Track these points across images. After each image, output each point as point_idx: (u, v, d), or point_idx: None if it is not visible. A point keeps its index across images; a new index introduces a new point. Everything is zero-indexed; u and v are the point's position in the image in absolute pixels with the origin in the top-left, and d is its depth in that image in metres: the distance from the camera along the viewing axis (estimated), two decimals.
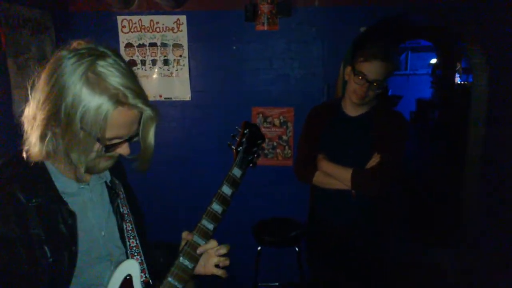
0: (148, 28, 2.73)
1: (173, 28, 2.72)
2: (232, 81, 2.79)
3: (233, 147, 1.23)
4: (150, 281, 1.02)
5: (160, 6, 2.65)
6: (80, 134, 0.82)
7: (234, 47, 2.73)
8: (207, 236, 1.05)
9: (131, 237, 1.04)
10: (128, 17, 2.72)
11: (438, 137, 7.36)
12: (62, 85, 0.80)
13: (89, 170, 0.91)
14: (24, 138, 0.89)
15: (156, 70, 2.79)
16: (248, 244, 2.53)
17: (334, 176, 1.85)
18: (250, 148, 1.22)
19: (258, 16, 2.64)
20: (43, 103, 0.82)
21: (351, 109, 1.92)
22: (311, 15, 2.66)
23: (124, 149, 0.91)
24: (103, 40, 0.89)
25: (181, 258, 1.02)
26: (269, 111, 2.80)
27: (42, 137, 0.84)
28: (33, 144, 0.84)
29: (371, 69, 1.73)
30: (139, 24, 2.72)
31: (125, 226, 1.04)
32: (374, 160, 1.79)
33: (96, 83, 0.81)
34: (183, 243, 1.10)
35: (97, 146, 0.86)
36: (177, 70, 2.78)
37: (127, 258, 1.01)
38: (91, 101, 0.80)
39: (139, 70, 2.78)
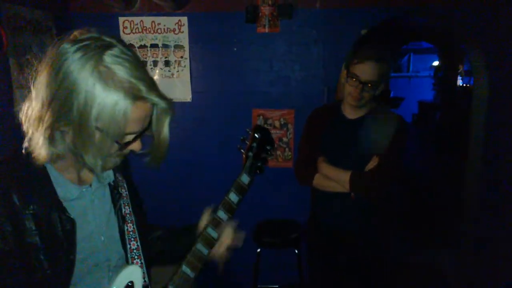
0: (149, 29, 2.74)
1: (175, 29, 2.72)
2: (233, 83, 2.79)
3: (242, 150, 1.18)
4: (149, 285, 1.01)
5: (161, 7, 2.65)
6: (95, 134, 0.77)
7: (235, 49, 2.74)
8: (211, 243, 1.04)
9: (132, 239, 1.00)
10: (129, 18, 2.72)
11: (440, 139, 7.35)
12: (72, 82, 0.74)
13: (102, 170, 0.86)
14: (26, 139, 0.83)
15: (157, 71, 2.79)
16: (248, 246, 2.52)
17: (333, 178, 1.85)
18: (259, 154, 1.18)
19: (259, 18, 2.65)
20: (51, 102, 0.75)
21: (350, 112, 1.92)
22: (312, 18, 2.66)
23: (137, 145, 0.86)
24: None
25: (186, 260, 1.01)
26: (270, 113, 2.80)
27: (50, 139, 0.78)
28: (39, 146, 0.79)
29: (364, 70, 1.75)
30: (140, 25, 2.73)
31: (126, 228, 1.00)
32: (373, 163, 1.79)
33: (109, 77, 0.75)
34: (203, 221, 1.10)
35: (115, 145, 0.81)
36: (178, 71, 2.78)
37: (127, 262, 0.98)
38: (106, 98, 0.74)
39: None
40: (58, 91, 0.75)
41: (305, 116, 2.12)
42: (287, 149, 2.82)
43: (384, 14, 2.66)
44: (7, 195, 0.79)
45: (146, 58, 2.78)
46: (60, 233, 0.83)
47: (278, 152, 2.84)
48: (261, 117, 2.81)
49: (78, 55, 0.74)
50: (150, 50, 2.77)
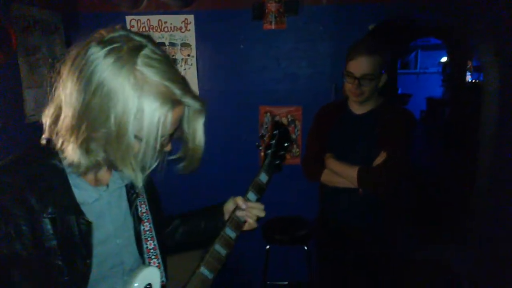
0: (156, 28, 2.74)
1: (181, 27, 2.73)
2: (240, 80, 2.79)
3: (261, 148, 1.16)
4: (167, 286, 0.99)
5: (168, 6, 2.66)
6: (134, 144, 0.74)
7: (242, 46, 2.73)
8: (230, 245, 1.02)
9: (149, 238, 0.97)
10: (136, 17, 2.74)
11: (448, 135, 7.28)
12: (108, 91, 0.70)
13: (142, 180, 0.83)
14: (52, 147, 0.79)
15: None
16: (257, 243, 2.53)
17: (340, 174, 1.85)
18: (278, 152, 1.15)
19: (265, 15, 2.64)
20: (85, 111, 0.71)
21: (357, 108, 1.92)
22: (319, 14, 2.65)
23: (168, 146, 0.84)
24: None
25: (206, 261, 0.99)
26: (277, 109, 2.79)
27: (88, 151, 0.75)
28: (77, 160, 0.75)
29: (357, 65, 1.77)
30: (147, 24, 2.74)
31: (142, 228, 0.97)
32: (380, 158, 1.78)
33: (145, 83, 0.71)
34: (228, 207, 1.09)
35: (153, 153, 0.77)
36: (185, 69, 2.79)
37: (143, 263, 0.96)
38: (144, 105, 0.71)
39: None
40: (92, 100, 0.71)
41: (312, 113, 2.12)
42: (295, 145, 2.82)
43: (391, 9, 2.64)
44: (24, 196, 0.75)
45: None
46: (77, 237, 0.80)
47: None
48: (269, 114, 2.80)
49: (110, 60, 0.70)
50: None
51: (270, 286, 2.71)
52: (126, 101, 0.70)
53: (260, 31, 2.68)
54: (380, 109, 1.88)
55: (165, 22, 2.73)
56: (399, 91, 10.10)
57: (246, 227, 1.09)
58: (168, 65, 0.76)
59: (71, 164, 0.77)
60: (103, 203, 0.89)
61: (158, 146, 0.76)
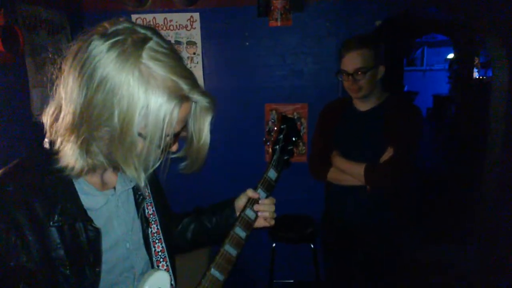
0: (162, 26, 2.74)
1: (187, 25, 2.73)
2: (246, 78, 2.78)
3: (268, 143, 1.12)
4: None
5: (173, 4, 2.66)
6: (138, 142, 0.69)
7: (247, 43, 2.73)
8: (240, 244, 0.99)
9: (157, 240, 0.94)
10: (142, 16, 2.74)
11: (455, 133, 7.21)
12: (111, 87, 0.66)
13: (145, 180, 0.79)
14: (47, 144, 0.76)
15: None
16: (263, 241, 2.53)
17: (347, 172, 1.83)
18: (286, 147, 1.11)
19: (271, 12, 2.63)
20: (87, 109, 0.67)
21: (361, 104, 1.90)
22: (325, 10, 2.63)
23: (174, 146, 0.79)
24: None
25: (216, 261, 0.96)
26: (283, 107, 2.78)
27: (88, 152, 0.71)
28: (72, 158, 0.71)
29: (348, 61, 1.77)
30: (153, 22, 2.74)
31: (150, 230, 0.94)
32: (388, 154, 1.76)
33: (150, 77, 0.67)
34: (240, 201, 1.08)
35: (158, 152, 0.73)
36: (190, 67, 2.78)
37: (152, 266, 0.93)
38: (150, 101, 0.67)
39: None
40: (95, 97, 0.66)
41: (318, 110, 2.11)
42: (301, 143, 2.80)
43: (398, 5, 2.61)
44: (28, 205, 0.72)
45: None
46: (86, 244, 0.77)
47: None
48: (274, 111, 2.79)
49: (113, 53, 0.66)
50: None
51: (277, 284, 2.70)
52: (131, 96, 0.66)
53: (266, 28, 2.67)
54: (385, 105, 1.86)
55: (171, 20, 2.73)
56: (405, 89, 10.04)
57: (262, 223, 1.07)
58: (175, 58, 0.72)
59: (65, 167, 0.72)
60: (110, 207, 0.85)
61: (162, 145, 0.71)
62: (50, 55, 2.27)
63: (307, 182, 2.36)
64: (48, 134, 0.75)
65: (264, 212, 1.05)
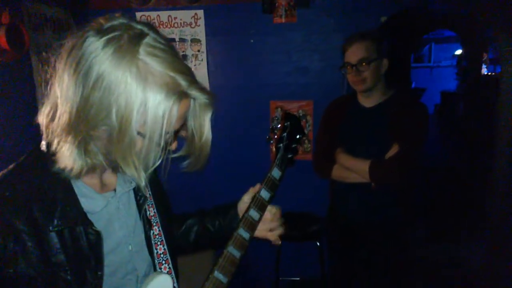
0: (166, 24, 2.74)
1: (191, 23, 2.72)
2: (250, 75, 2.77)
3: (271, 142, 1.10)
4: None
5: (177, 1, 2.66)
6: (137, 140, 0.68)
7: (252, 41, 2.71)
8: (244, 246, 0.97)
9: (158, 242, 0.93)
10: (146, 13, 2.74)
11: (463, 130, 7.14)
12: (108, 84, 0.64)
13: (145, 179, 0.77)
14: (46, 146, 0.74)
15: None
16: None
17: (352, 169, 1.82)
18: (290, 145, 1.09)
19: (275, 8, 2.61)
20: (84, 106, 0.66)
21: (366, 100, 1.89)
22: (330, 6, 2.60)
23: (174, 144, 0.78)
24: None
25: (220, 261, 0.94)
26: (288, 104, 2.77)
27: (86, 152, 0.70)
28: (70, 159, 0.70)
29: (351, 53, 1.79)
30: (157, 20, 2.74)
31: (152, 232, 0.92)
32: (393, 151, 1.74)
33: (148, 73, 0.66)
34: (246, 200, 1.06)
35: (157, 150, 0.71)
36: (195, 65, 2.78)
37: (154, 269, 0.92)
38: (148, 98, 0.65)
39: None
40: (91, 95, 0.65)
41: (324, 107, 2.09)
42: (306, 141, 2.79)
43: (404, 1, 2.58)
44: (27, 208, 0.70)
45: None
46: (86, 248, 0.75)
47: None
48: (279, 109, 2.78)
49: (109, 50, 0.64)
50: None
51: (282, 281, 2.70)
52: (129, 93, 0.65)
53: (271, 24, 2.66)
54: (390, 101, 1.85)
55: (175, 18, 2.72)
56: (413, 85, 9.96)
57: (272, 237, 1.07)
58: (172, 54, 0.70)
59: (63, 169, 0.71)
60: (111, 209, 0.84)
61: (162, 143, 0.70)
62: (55, 53, 2.28)
63: (313, 180, 2.35)
64: (44, 136, 0.73)
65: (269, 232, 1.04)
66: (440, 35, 10.04)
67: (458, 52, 9.49)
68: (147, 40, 0.68)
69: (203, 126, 0.79)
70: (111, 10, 2.73)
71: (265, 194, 1.03)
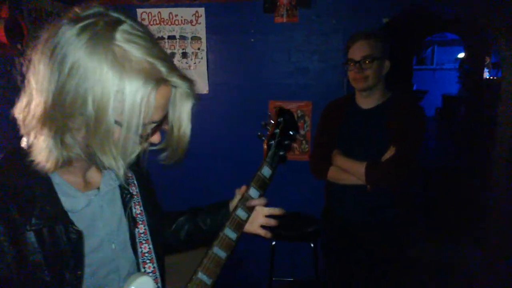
0: (167, 21, 2.74)
1: (192, 20, 2.71)
2: (250, 74, 2.77)
3: (263, 138, 1.07)
4: None
5: None
6: (115, 130, 0.66)
7: (252, 40, 2.70)
8: (230, 246, 0.95)
9: (143, 241, 0.90)
10: (147, 10, 2.73)
11: (464, 134, 7.12)
12: (83, 72, 0.62)
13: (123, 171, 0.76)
14: (25, 142, 0.72)
15: (174, 63, 2.79)
16: (263, 239, 2.51)
17: (348, 170, 1.82)
18: (282, 141, 1.06)
19: (277, 8, 2.60)
20: (59, 98, 0.64)
21: (364, 102, 1.88)
22: (332, 6, 2.59)
23: (156, 136, 0.76)
24: None
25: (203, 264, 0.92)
26: (287, 104, 2.76)
27: (62, 141, 0.67)
28: (46, 151, 0.67)
29: (355, 50, 1.79)
30: (158, 17, 2.73)
31: (137, 230, 0.90)
32: (389, 153, 1.74)
33: (125, 59, 0.64)
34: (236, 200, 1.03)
35: (136, 140, 0.70)
36: (195, 63, 2.78)
37: (138, 268, 0.90)
38: (125, 85, 0.64)
39: None
40: (67, 84, 0.63)
41: (322, 108, 2.09)
42: (304, 141, 2.78)
43: (407, 2, 2.57)
44: (4, 208, 0.68)
45: None
46: (67, 248, 0.73)
47: (295, 145, 2.80)
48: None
49: (84, 37, 0.63)
50: (168, 41, 2.77)
51: (276, 282, 2.70)
52: (105, 80, 0.63)
53: (272, 24, 2.65)
54: (388, 103, 1.84)
55: (176, 15, 2.72)
56: (414, 87, 9.93)
57: (256, 230, 1.05)
58: (151, 41, 0.68)
59: (39, 162, 0.68)
60: (94, 207, 0.82)
61: (140, 131, 0.68)
62: None
63: (310, 181, 2.34)
64: (22, 130, 0.71)
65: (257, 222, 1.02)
66: (443, 37, 10.00)
67: (461, 55, 9.47)
68: (124, 27, 0.66)
69: (182, 117, 0.76)
70: (112, 6, 2.72)
71: (254, 193, 1.00)
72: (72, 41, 0.63)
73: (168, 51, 2.78)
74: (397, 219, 1.88)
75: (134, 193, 0.92)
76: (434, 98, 9.73)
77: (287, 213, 1.06)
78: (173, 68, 0.69)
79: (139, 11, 2.73)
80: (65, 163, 0.71)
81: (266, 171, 1.02)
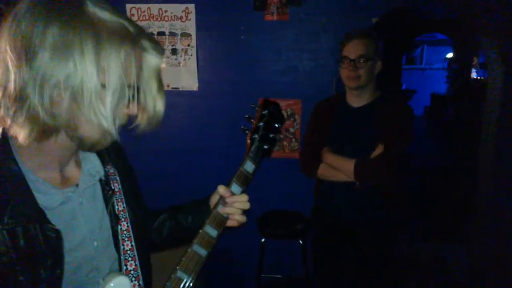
0: (156, 17, 2.71)
1: (182, 17, 2.69)
2: (240, 72, 2.76)
3: (247, 132, 1.02)
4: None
5: None
6: (101, 92, 0.66)
7: (243, 37, 2.70)
8: (210, 244, 0.92)
9: (126, 238, 0.89)
10: (137, 6, 2.70)
11: (451, 132, 7.23)
12: (59, 39, 0.62)
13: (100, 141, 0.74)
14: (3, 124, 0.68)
15: (164, 59, 2.77)
16: (252, 236, 2.53)
17: (337, 168, 1.83)
18: (267, 135, 1.01)
19: (267, 6, 2.60)
20: (39, 68, 0.62)
21: (354, 100, 1.91)
22: (322, 5, 2.60)
23: (134, 107, 0.75)
24: None
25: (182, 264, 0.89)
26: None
27: (46, 111, 0.65)
28: (24, 127, 0.65)
29: (350, 48, 1.80)
30: (148, 12, 2.71)
31: (119, 227, 0.88)
32: (378, 151, 1.77)
33: (99, 22, 0.65)
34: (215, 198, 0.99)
35: (123, 100, 0.70)
36: (185, 59, 2.76)
37: (120, 265, 0.88)
38: (104, 46, 0.65)
39: None
40: (41, 56, 0.62)
41: (312, 106, 2.10)
42: (293, 139, 2.79)
43: (396, 2, 2.59)
44: None
45: None
46: (43, 246, 0.70)
47: (285, 143, 2.81)
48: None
49: (55, 4, 0.64)
50: (157, 38, 2.75)
51: (264, 278, 2.71)
52: (84, 44, 0.63)
53: (262, 22, 2.64)
54: (377, 102, 1.87)
55: (166, 11, 2.70)
56: (403, 87, 10.04)
57: (231, 223, 0.99)
58: (117, 10, 0.70)
59: (15, 139, 0.67)
60: (74, 204, 0.80)
61: (125, 94, 0.69)
62: None
63: (299, 178, 2.36)
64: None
65: (232, 211, 0.97)
66: (432, 37, 10.11)
67: (450, 55, 9.59)
68: None
69: (151, 83, 0.77)
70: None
71: (236, 189, 0.96)
72: (40, 11, 0.63)
73: None
74: (386, 216, 1.90)
75: (117, 189, 0.91)
76: (423, 97, 9.85)
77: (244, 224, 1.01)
78: (142, 30, 0.72)
79: (128, 6, 2.70)
80: (41, 136, 0.68)
81: (249, 166, 0.98)
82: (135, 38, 0.69)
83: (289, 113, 2.76)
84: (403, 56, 9.66)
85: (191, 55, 2.75)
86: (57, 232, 0.72)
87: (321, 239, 2.10)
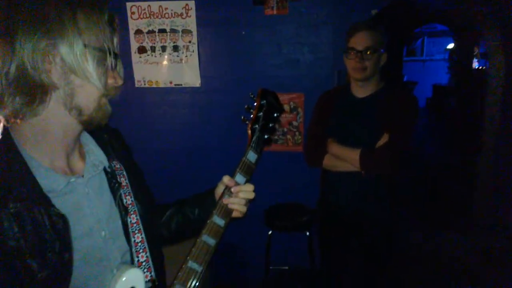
0: (157, 14, 2.73)
1: (182, 13, 2.71)
2: (241, 67, 2.78)
3: (247, 122, 1.04)
4: (156, 280, 0.92)
5: None
6: (100, 54, 0.74)
7: (243, 32, 2.71)
8: (218, 233, 0.94)
9: (136, 231, 0.90)
10: (137, 4, 2.72)
11: (454, 123, 7.22)
12: (39, 17, 0.68)
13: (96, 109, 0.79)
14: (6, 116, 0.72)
15: (166, 56, 2.79)
16: (260, 228, 2.56)
17: (342, 157, 1.85)
18: (267, 125, 1.03)
19: (267, 0, 2.61)
20: (29, 54, 0.68)
21: (359, 91, 1.92)
22: None
23: (119, 78, 0.82)
24: None
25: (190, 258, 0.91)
26: (279, 97, 2.77)
27: (40, 96, 0.71)
28: (18, 92, 0.69)
29: (358, 40, 1.80)
30: (148, 10, 2.72)
31: (129, 220, 0.90)
32: (383, 140, 1.78)
33: None
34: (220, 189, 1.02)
35: (108, 64, 0.77)
36: (186, 56, 2.78)
37: (131, 257, 0.89)
38: (78, 11, 0.71)
39: (149, 57, 2.80)
40: (28, 39, 0.68)
41: (314, 99, 2.11)
42: (297, 133, 2.81)
43: None
44: None
45: (154, 43, 2.78)
46: (50, 231, 0.70)
47: (288, 136, 2.83)
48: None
49: None
50: (158, 35, 2.76)
51: (272, 270, 2.74)
52: (62, 19, 0.69)
53: (262, 16, 2.65)
54: (382, 92, 1.88)
55: (166, 8, 2.71)
56: (405, 79, 10.02)
57: (235, 214, 1.00)
58: None
59: (15, 116, 0.72)
60: (79, 194, 0.81)
61: (107, 55, 0.75)
62: None
63: (304, 171, 2.38)
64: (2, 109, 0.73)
65: (236, 201, 0.99)
66: (433, 28, 10.07)
67: (450, 46, 9.55)
68: None
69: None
70: None
71: (240, 179, 0.99)
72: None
73: (159, 45, 2.78)
74: (391, 207, 1.92)
75: (124, 183, 0.92)
76: (424, 89, 9.83)
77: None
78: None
79: (128, 4, 2.72)
80: (34, 98, 0.71)
81: (251, 156, 1.00)
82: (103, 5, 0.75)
83: (292, 106, 2.77)
84: (404, 48, 9.63)
85: (193, 51, 2.77)
86: (63, 216, 0.73)
87: (326, 231, 2.11)
